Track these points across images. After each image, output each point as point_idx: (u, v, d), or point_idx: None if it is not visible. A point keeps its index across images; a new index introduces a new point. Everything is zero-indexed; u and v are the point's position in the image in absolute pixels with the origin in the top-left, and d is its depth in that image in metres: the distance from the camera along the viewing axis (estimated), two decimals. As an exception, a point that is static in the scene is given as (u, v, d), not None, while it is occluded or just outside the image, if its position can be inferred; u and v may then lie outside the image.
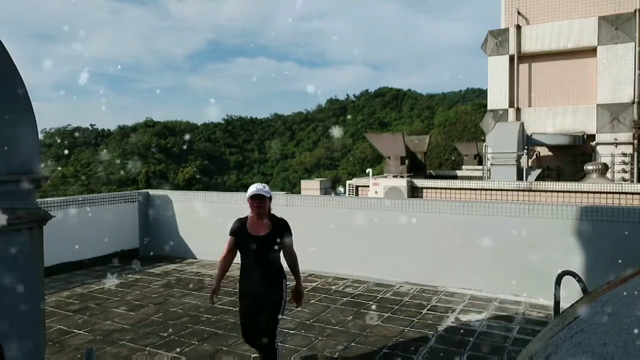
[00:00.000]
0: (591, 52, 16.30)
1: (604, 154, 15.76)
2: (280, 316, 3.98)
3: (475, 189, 12.56)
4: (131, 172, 70.29)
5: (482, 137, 21.58)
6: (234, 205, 8.67)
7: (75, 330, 5.46)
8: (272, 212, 4.07)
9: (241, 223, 4.10)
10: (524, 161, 14.84)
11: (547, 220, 6.44)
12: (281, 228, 4.00)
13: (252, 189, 3.99)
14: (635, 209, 6.10)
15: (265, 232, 3.94)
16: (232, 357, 4.73)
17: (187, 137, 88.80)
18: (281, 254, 4.04)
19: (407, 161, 15.83)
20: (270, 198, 4.00)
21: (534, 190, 11.83)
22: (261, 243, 3.90)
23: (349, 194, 14.62)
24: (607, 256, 5.97)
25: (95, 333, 5.38)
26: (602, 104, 16.04)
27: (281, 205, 8.35)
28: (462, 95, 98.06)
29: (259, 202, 3.93)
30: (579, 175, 15.08)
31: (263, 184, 4.07)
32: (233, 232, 4.12)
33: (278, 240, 3.93)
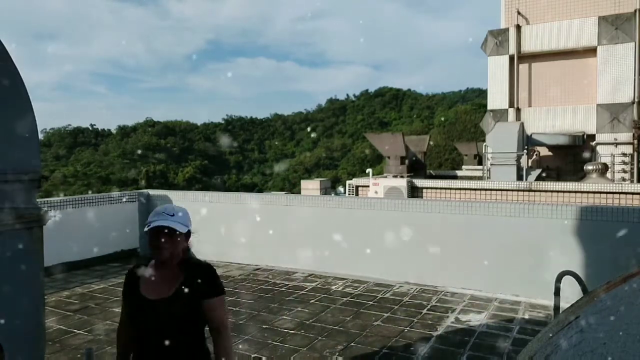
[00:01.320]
0: (591, 52, 16.30)
1: (604, 154, 15.77)
2: None
3: (475, 189, 12.56)
4: (131, 172, 70.34)
5: (482, 137, 21.58)
6: (234, 206, 8.67)
7: (75, 330, 5.46)
8: (191, 253, 2.39)
9: (133, 275, 2.37)
10: (524, 161, 14.84)
11: (547, 220, 6.43)
12: (200, 283, 2.26)
13: (154, 214, 2.25)
14: (635, 209, 6.10)
15: (169, 291, 2.24)
16: (232, 357, 4.73)
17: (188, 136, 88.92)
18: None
19: (407, 161, 15.84)
20: (187, 233, 2.29)
21: (534, 190, 11.83)
22: (161, 313, 2.20)
23: (349, 194, 14.62)
24: (607, 256, 5.97)
25: (95, 333, 5.38)
26: (602, 104, 16.05)
27: (281, 205, 8.35)
28: (462, 95, 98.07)
29: (164, 241, 2.20)
30: (579, 175, 15.09)
31: (175, 207, 2.31)
32: (123, 291, 2.41)
33: (193, 304, 2.24)
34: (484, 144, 16.30)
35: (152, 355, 2.25)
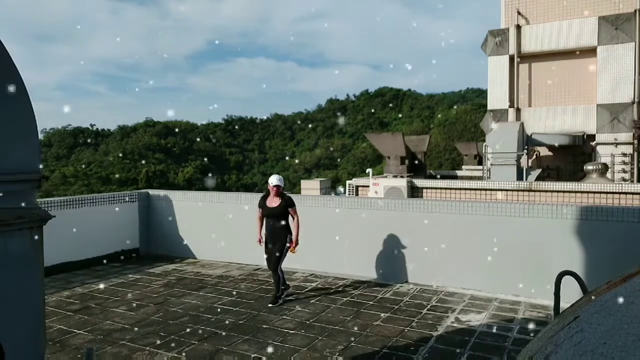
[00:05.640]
0: (591, 52, 16.30)
1: (604, 154, 15.76)
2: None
3: (475, 189, 12.56)
4: (131, 172, 70.35)
5: (482, 137, 21.59)
6: (234, 205, 8.67)
7: (76, 330, 5.46)
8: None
9: (264, 198, 6.54)
10: (524, 161, 14.84)
11: (547, 220, 6.44)
12: (287, 202, 6.43)
13: (273, 179, 6.49)
14: (635, 209, 6.10)
15: (278, 204, 6.38)
16: (232, 357, 4.73)
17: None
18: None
19: (407, 161, 15.83)
20: (279, 186, 6.45)
21: (534, 190, 11.83)
22: (275, 211, 6.39)
23: (349, 194, 14.62)
24: (607, 256, 5.97)
25: (96, 333, 5.38)
26: (602, 104, 16.05)
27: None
28: (462, 95, 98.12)
29: (277, 189, 6.42)
30: (579, 175, 15.08)
31: (279, 177, 6.57)
32: (259, 203, 6.59)
33: (285, 209, 6.41)
34: (484, 144, 16.29)
35: (271, 226, 6.40)
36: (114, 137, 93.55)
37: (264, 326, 5.53)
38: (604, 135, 16.00)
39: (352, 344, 5.00)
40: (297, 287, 7.14)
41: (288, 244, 6.39)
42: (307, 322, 5.67)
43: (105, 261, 8.69)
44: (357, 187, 14.71)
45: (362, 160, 69.17)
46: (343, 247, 7.74)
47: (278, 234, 6.35)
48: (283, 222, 6.37)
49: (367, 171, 16.02)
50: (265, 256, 6.48)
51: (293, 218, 6.48)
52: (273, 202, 6.40)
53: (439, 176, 17.74)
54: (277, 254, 6.35)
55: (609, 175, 14.46)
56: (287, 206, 6.39)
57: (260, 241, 6.57)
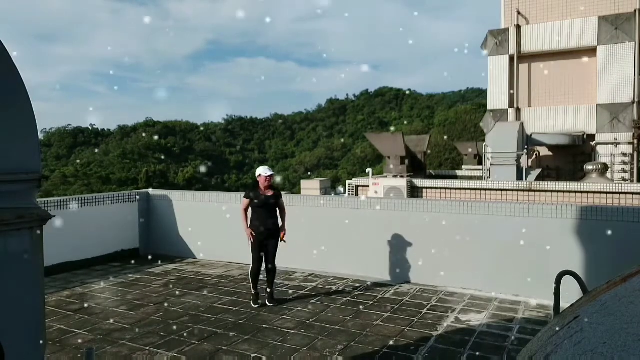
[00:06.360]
0: (591, 52, 16.30)
1: (604, 154, 15.76)
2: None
3: (475, 189, 12.56)
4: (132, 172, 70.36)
5: (482, 137, 21.59)
6: (234, 205, 8.66)
7: (76, 330, 5.46)
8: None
9: (256, 192, 6.31)
10: (524, 161, 14.83)
11: (547, 220, 6.43)
12: (277, 194, 6.39)
13: (266, 170, 6.35)
14: (635, 209, 6.10)
15: (270, 194, 6.30)
16: (232, 357, 4.73)
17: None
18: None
19: (407, 161, 15.83)
20: (272, 177, 6.40)
21: (534, 190, 11.83)
22: (268, 201, 6.27)
23: (349, 194, 14.62)
24: (607, 256, 5.97)
25: (96, 333, 5.38)
26: (602, 104, 16.05)
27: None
28: (462, 95, 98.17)
29: (270, 179, 6.31)
30: (579, 175, 15.08)
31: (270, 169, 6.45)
32: (251, 195, 6.34)
33: (276, 200, 6.33)
34: (484, 144, 16.29)
35: (266, 218, 6.25)
36: (114, 137, 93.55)
37: (264, 326, 5.53)
38: (604, 135, 16.00)
39: (352, 343, 5.00)
40: (297, 287, 7.14)
41: (281, 236, 6.30)
42: (307, 322, 5.67)
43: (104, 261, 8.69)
44: (357, 187, 14.71)
45: (362, 160, 69.15)
46: (343, 247, 7.74)
47: (273, 226, 6.24)
48: (275, 213, 6.31)
49: (367, 171, 16.00)
50: (259, 251, 6.24)
51: (282, 209, 6.37)
52: (266, 192, 6.27)
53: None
54: (275, 248, 6.29)
55: (609, 175, 14.46)
56: (278, 197, 6.32)
57: (252, 235, 6.20)
